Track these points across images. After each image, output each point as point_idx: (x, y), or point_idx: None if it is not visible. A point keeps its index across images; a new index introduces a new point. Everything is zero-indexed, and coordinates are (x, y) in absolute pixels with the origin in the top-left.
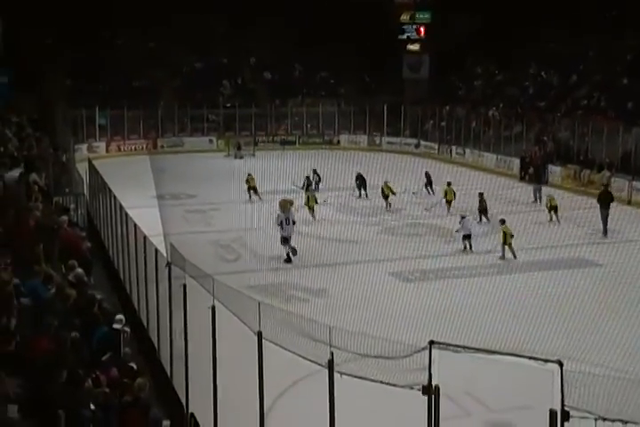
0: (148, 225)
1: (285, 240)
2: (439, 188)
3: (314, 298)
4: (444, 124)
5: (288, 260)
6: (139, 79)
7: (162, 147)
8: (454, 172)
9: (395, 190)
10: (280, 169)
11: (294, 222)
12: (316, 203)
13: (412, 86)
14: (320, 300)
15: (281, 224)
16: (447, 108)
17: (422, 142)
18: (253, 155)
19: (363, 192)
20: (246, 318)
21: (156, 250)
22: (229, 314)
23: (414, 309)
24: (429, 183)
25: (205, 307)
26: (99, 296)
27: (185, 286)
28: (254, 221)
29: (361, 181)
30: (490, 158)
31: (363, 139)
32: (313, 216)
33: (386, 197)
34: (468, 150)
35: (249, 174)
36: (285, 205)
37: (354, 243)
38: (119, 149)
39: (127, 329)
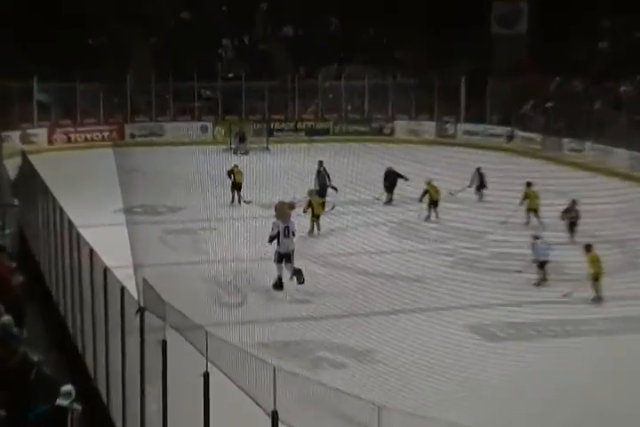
0: (111, 251)
1: (282, 258)
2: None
3: (354, 363)
4: (550, 104)
5: (278, 285)
6: (97, 36)
7: (132, 136)
8: (566, 177)
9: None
10: (304, 171)
11: (294, 234)
12: (323, 210)
13: (503, 48)
14: (364, 366)
15: (277, 236)
16: (557, 80)
17: (518, 133)
18: (267, 148)
19: (389, 196)
20: (256, 391)
21: (123, 288)
22: (230, 383)
23: (507, 384)
24: (481, 183)
25: (196, 374)
26: (36, 358)
27: (165, 343)
28: (265, 246)
29: (392, 181)
30: (621, 157)
31: (429, 127)
32: (317, 228)
33: (433, 203)
34: (587, 144)
35: (235, 166)
36: (283, 211)
37: (413, 281)
38: (68, 140)
39: (78, 406)
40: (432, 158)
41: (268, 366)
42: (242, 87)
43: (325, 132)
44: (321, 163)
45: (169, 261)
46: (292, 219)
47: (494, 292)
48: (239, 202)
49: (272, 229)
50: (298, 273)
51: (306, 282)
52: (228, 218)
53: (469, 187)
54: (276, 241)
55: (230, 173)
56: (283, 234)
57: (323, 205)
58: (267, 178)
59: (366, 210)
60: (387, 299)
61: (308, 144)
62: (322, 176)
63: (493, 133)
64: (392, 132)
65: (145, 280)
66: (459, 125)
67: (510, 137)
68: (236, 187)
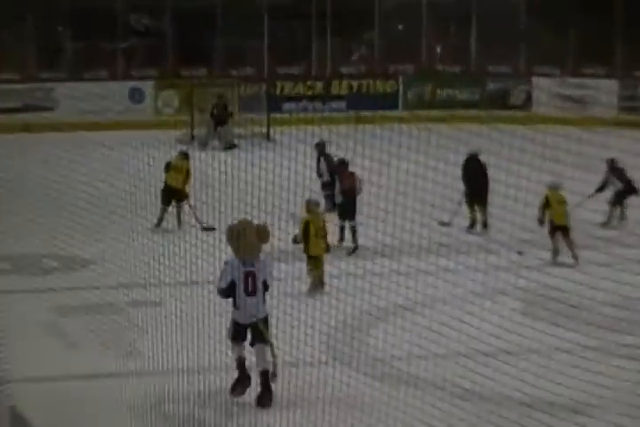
0: None
1: (240, 334)
2: None
3: None
4: None
5: (238, 391)
6: None
7: None
8: None
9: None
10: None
11: (267, 287)
12: (332, 243)
13: None
14: None
15: (232, 290)
16: None
17: None
18: (267, 137)
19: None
20: None
21: None
22: None
23: None
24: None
25: None
26: None
27: None
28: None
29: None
30: None
31: (601, 90)
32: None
33: (557, 229)
34: None
35: (182, 153)
36: (246, 238)
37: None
38: None
39: None
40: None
41: None
42: (215, 9)
43: (390, 101)
44: (322, 145)
45: (66, 373)
46: (262, 256)
47: None
48: (181, 226)
49: (221, 276)
50: (267, 376)
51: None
52: (182, 284)
53: (600, 191)
54: (232, 300)
55: (169, 168)
56: (243, 286)
57: (340, 232)
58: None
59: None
60: None
61: (353, 126)
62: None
63: None
64: (527, 103)
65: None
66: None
67: None
68: (176, 195)
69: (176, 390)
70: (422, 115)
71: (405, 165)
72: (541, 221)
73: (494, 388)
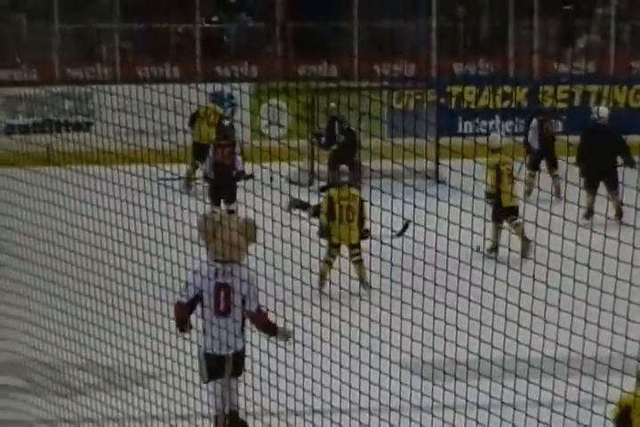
0: None
1: (214, 371)
2: None
3: None
4: None
5: None
6: None
7: None
8: None
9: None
10: None
11: (255, 305)
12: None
13: None
14: None
15: (193, 305)
16: None
17: None
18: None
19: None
20: None
21: None
22: None
23: None
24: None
25: None
26: None
27: None
28: None
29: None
30: None
31: None
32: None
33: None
34: None
35: (212, 102)
36: (216, 232)
37: None
38: None
39: None
40: None
41: None
42: None
43: None
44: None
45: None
46: (244, 262)
47: None
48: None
49: (182, 292)
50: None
51: None
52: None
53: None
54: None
55: (196, 117)
56: (214, 302)
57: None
58: None
59: None
60: None
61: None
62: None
63: None
64: None
65: None
66: None
67: None
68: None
69: None
70: None
71: None
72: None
73: None
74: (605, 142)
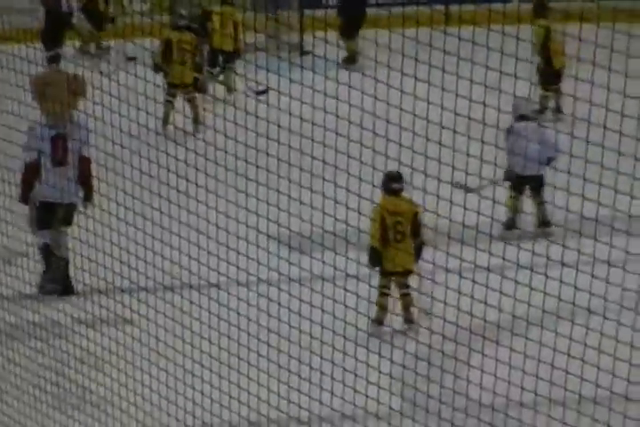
0: None
1: (44, 214)
2: None
3: None
4: None
5: (48, 286)
6: None
7: None
8: None
9: None
10: None
11: (81, 159)
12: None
13: None
14: None
15: (36, 165)
16: None
17: None
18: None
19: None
20: None
21: None
22: None
23: None
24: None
25: None
26: None
27: None
28: None
29: None
30: None
31: None
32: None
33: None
34: None
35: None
36: (47, 91)
37: None
38: None
39: None
40: None
41: None
42: None
43: None
44: None
45: None
46: (77, 117)
47: None
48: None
49: (24, 148)
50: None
51: None
52: None
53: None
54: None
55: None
56: (51, 154)
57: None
58: None
59: None
60: None
61: None
62: None
63: None
64: None
65: None
66: None
67: None
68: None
69: None
70: None
71: None
72: None
73: None
74: None
